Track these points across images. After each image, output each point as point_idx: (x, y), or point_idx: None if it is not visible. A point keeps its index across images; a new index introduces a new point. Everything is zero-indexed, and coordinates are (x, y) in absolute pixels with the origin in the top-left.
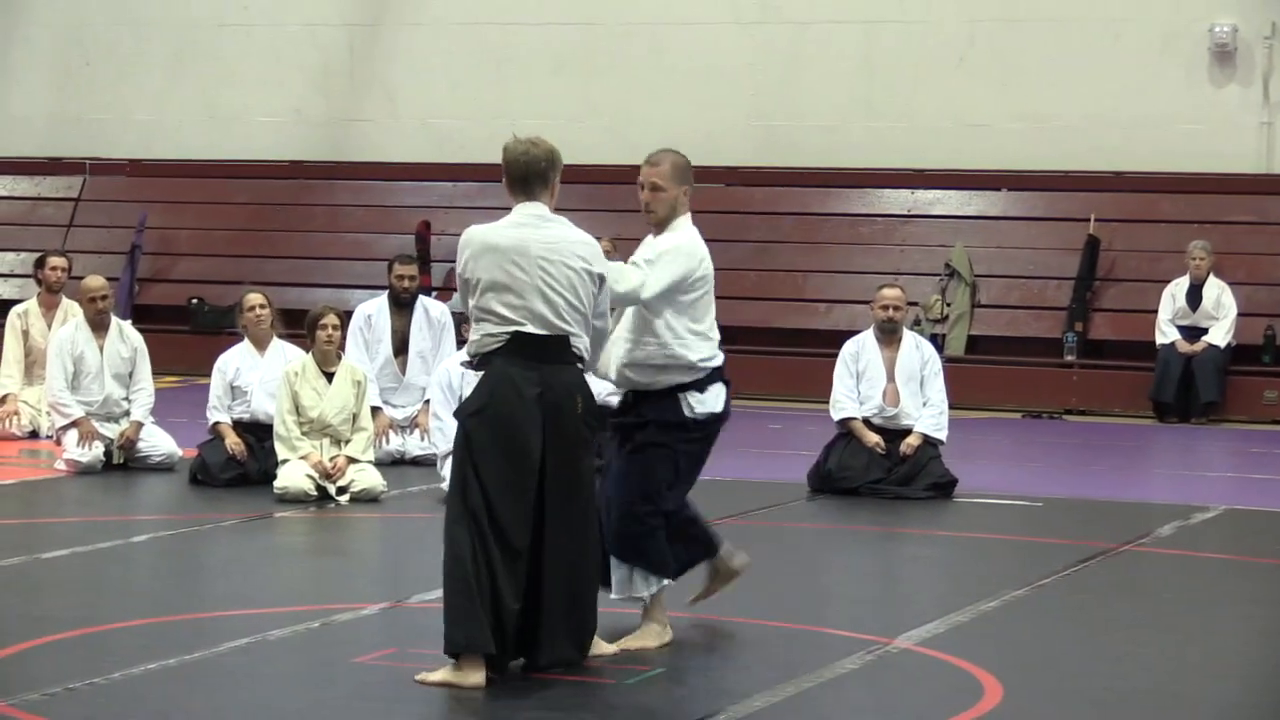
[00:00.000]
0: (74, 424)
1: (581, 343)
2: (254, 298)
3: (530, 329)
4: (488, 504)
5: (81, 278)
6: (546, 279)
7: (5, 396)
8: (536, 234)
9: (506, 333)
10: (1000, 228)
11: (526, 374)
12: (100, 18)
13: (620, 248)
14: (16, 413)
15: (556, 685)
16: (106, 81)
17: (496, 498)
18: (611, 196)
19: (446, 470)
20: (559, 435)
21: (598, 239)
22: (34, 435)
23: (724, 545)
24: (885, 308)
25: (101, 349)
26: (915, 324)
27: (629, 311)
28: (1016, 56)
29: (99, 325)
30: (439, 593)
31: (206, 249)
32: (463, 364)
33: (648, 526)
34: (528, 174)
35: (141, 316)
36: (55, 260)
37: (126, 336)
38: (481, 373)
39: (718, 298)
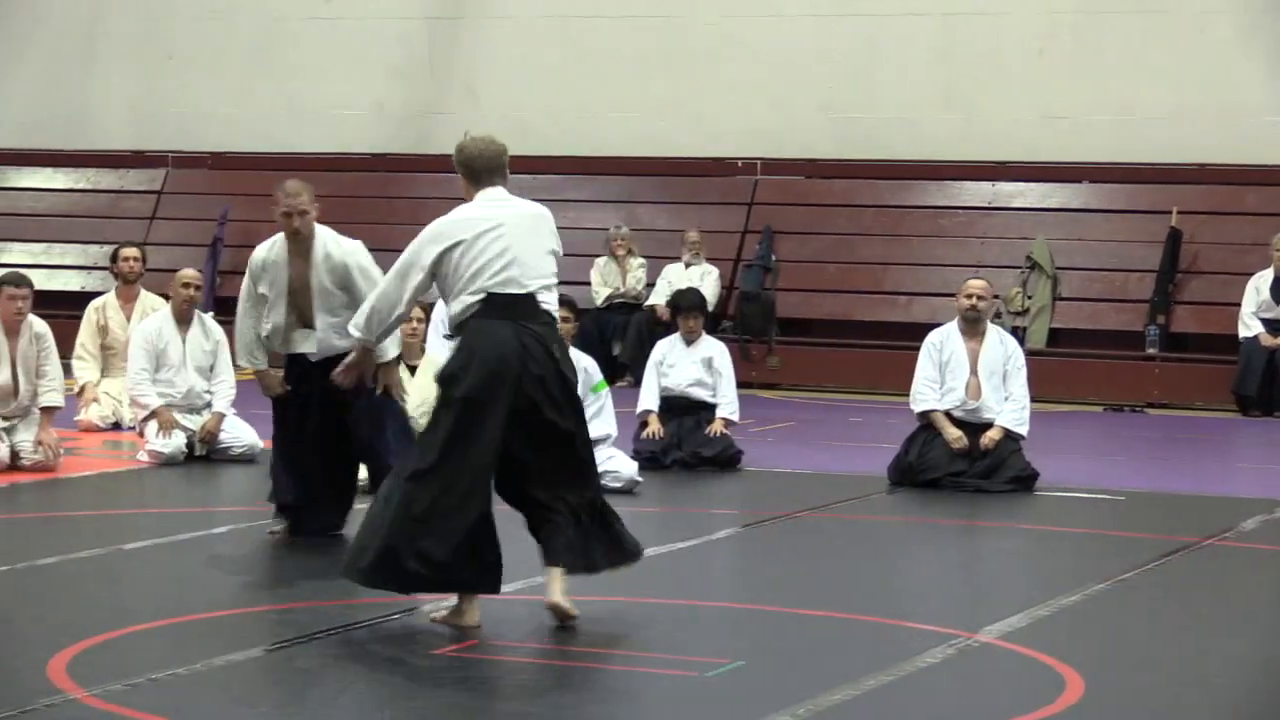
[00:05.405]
0: (153, 414)
1: None
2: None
3: None
4: None
5: (159, 270)
6: None
7: (84, 386)
8: None
9: None
10: (1082, 220)
11: None
12: (184, 11)
13: (705, 240)
14: (96, 399)
15: (634, 676)
16: (189, 75)
17: None
18: (693, 189)
19: None
20: None
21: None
22: (116, 427)
23: None
24: (970, 296)
25: (185, 341)
26: (996, 316)
27: None
28: (1098, 48)
29: (183, 317)
30: (522, 584)
31: None
32: None
33: None
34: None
35: (223, 309)
36: (127, 251)
37: (208, 329)
38: None
39: (799, 290)
